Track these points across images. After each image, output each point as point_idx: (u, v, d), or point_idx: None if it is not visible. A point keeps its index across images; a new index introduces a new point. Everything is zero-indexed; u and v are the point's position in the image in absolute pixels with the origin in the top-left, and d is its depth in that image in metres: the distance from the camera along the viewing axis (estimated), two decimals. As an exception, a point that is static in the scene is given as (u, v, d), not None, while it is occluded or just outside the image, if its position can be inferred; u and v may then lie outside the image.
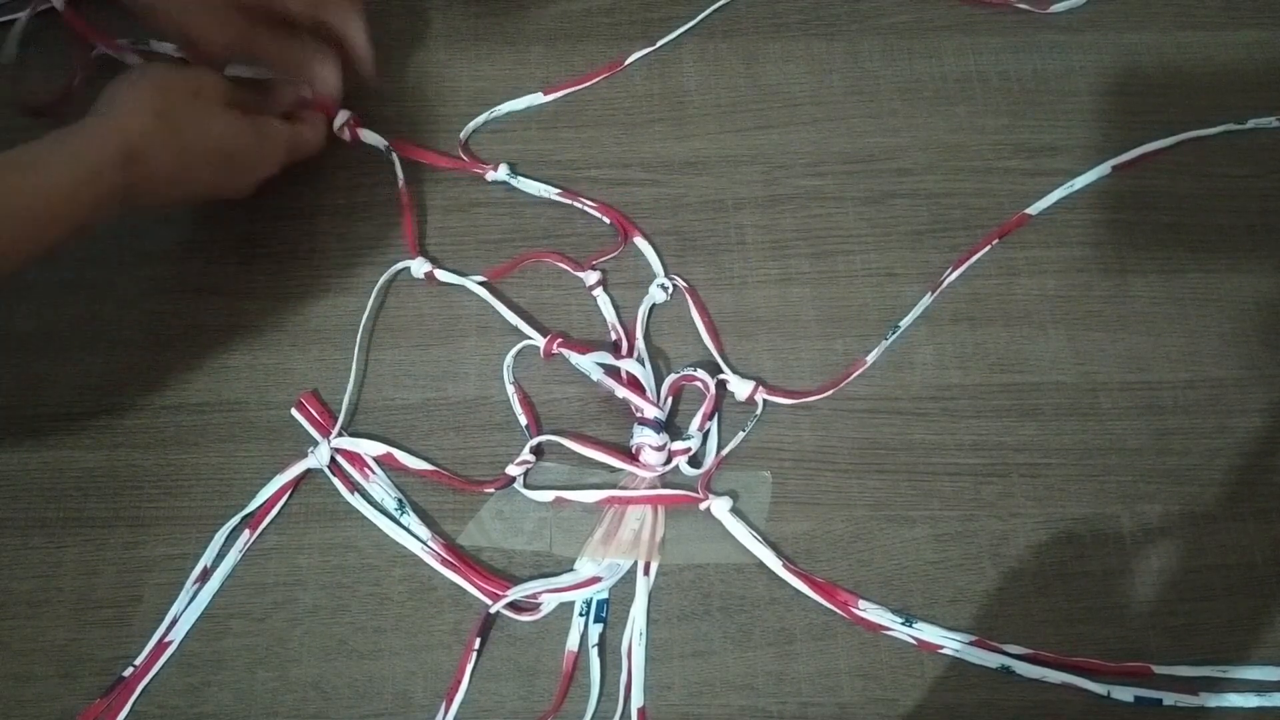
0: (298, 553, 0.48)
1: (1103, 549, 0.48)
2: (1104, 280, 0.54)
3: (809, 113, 0.58)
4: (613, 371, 0.50)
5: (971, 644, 0.46)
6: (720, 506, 0.48)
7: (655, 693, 0.45)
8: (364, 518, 0.48)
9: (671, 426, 0.50)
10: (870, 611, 0.46)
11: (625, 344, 0.52)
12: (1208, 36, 0.61)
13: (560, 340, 0.51)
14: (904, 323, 0.52)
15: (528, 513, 0.49)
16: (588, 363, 0.50)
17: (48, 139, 0.43)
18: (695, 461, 0.49)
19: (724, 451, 0.49)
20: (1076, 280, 0.54)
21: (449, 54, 0.60)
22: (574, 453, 0.49)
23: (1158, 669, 0.45)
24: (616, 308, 0.53)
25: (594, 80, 0.59)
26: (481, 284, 0.53)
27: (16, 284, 0.50)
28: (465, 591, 0.47)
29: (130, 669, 0.45)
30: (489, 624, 0.46)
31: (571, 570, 0.47)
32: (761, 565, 0.47)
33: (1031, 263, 0.54)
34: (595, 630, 0.46)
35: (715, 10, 0.61)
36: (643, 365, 0.51)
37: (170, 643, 0.46)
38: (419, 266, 0.53)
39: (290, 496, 0.49)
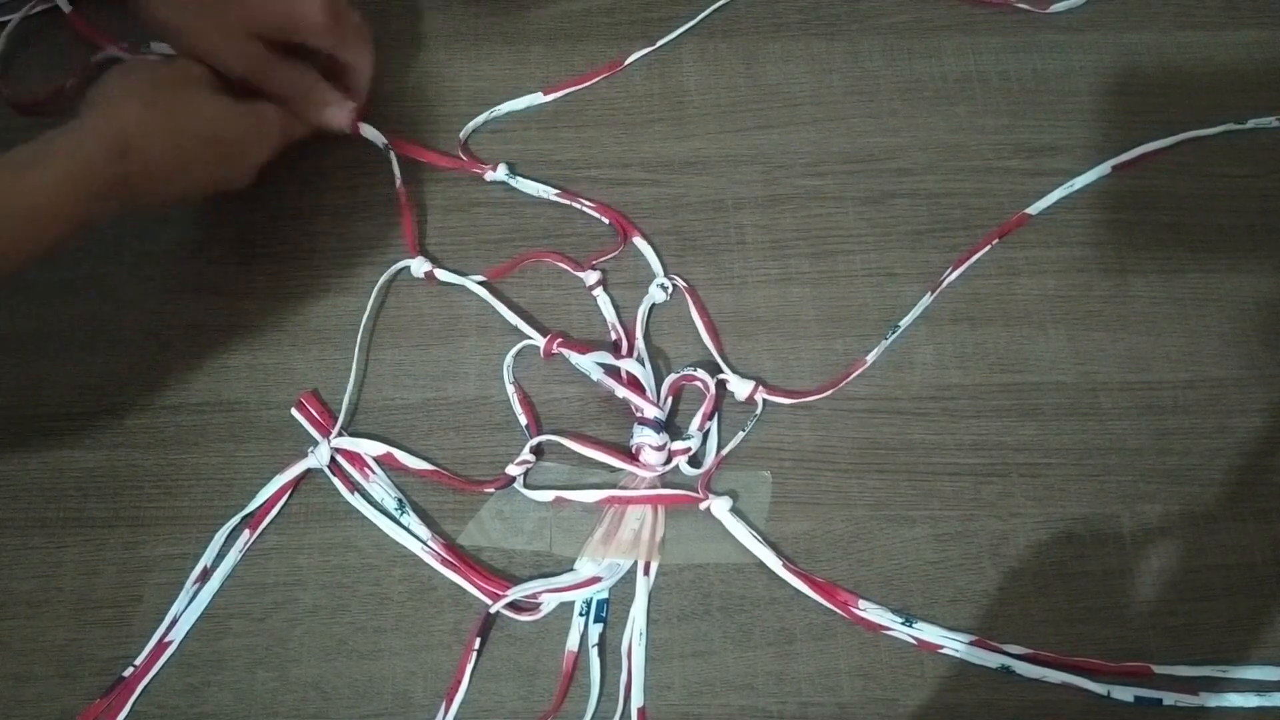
0: (298, 553, 0.48)
1: (1103, 549, 0.48)
2: (1104, 280, 0.54)
3: (809, 113, 0.58)
4: (613, 371, 0.50)
5: (971, 644, 0.46)
6: (720, 506, 0.48)
7: (655, 693, 0.45)
8: (364, 518, 0.48)
9: (671, 426, 0.50)
10: (870, 611, 0.46)
11: (625, 344, 0.52)
12: (1208, 36, 0.61)
13: (560, 340, 0.51)
14: (904, 323, 0.52)
15: (528, 513, 0.49)
16: (588, 363, 0.50)
17: (41, 139, 0.43)
18: (695, 461, 0.49)
19: (724, 451, 0.49)
20: (1076, 280, 0.54)
21: (449, 54, 0.60)
22: (574, 453, 0.49)
23: (1158, 669, 0.45)
24: (616, 308, 0.53)
25: (594, 80, 0.59)
26: (481, 284, 0.53)
27: (16, 284, 0.50)
28: (465, 591, 0.47)
29: (130, 669, 0.45)
30: (489, 624, 0.46)
31: (571, 570, 0.47)
32: (761, 565, 0.47)
33: (1031, 263, 0.54)
34: (595, 630, 0.46)
35: (715, 10, 0.61)
36: (643, 365, 0.51)
37: (170, 643, 0.46)
38: (419, 266, 0.53)
39: (290, 496, 0.49)
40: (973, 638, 0.46)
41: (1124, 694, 0.45)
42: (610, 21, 0.61)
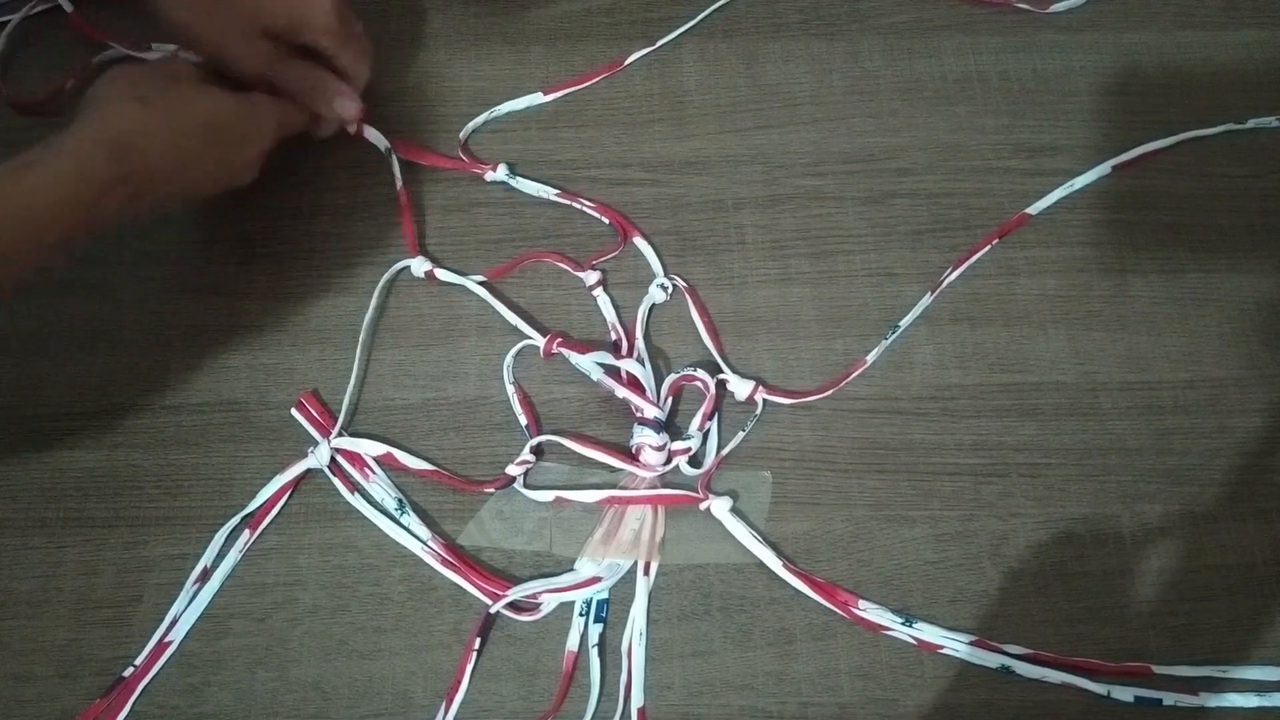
0: (298, 553, 0.48)
1: (1103, 549, 0.48)
2: (1104, 280, 0.54)
3: (809, 113, 0.58)
4: (613, 371, 0.50)
5: (971, 644, 0.46)
6: (720, 506, 0.48)
7: (655, 693, 0.45)
8: (364, 518, 0.48)
9: (671, 426, 0.50)
10: (870, 611, 0.46)
11: (625, 344, 0.52)
12: (1208, 36, 0.61)
13: (560, 340, 0.51)
14: (904, 323, 0.52)
15: (528, 513, 0.49)
16: (588, 363, 0.50)
17: (38, 146, 0.43)
18: (695, 461, 0.49)
19: (724, 451, 0.49)
20: (1076, 280, 0.54)
21: (449, 54, 0.60)
22: (574, 453, 0.49)
23: (1158, 669, 0.45)
24: (616, 308, 0.53)
25: (594, 80, 0.59)
26: (481, 284, 0.53)
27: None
28: (465, 591, 0.47)
29: (130, 669, 0.45)
30: (489, 624, 0.46)
31: (571, 570, 0.47)
32: (761, 565, 0.47)
33: (1031, 263, 0.54)
34: (595, 630, 0.46)
35: (715, 10, 0.61)
36: (643, 365, 0.51)
37: (170, 643, 0.46)
38: (419, 265, 0.53)
39: (290, 496, 0.49)
40: (973, 638, 0.46)
41: (1124, 694, 0.45)
42: (610, 21, 0.61)
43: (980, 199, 0.56)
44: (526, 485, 0.49)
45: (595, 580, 0.46)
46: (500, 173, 0.55)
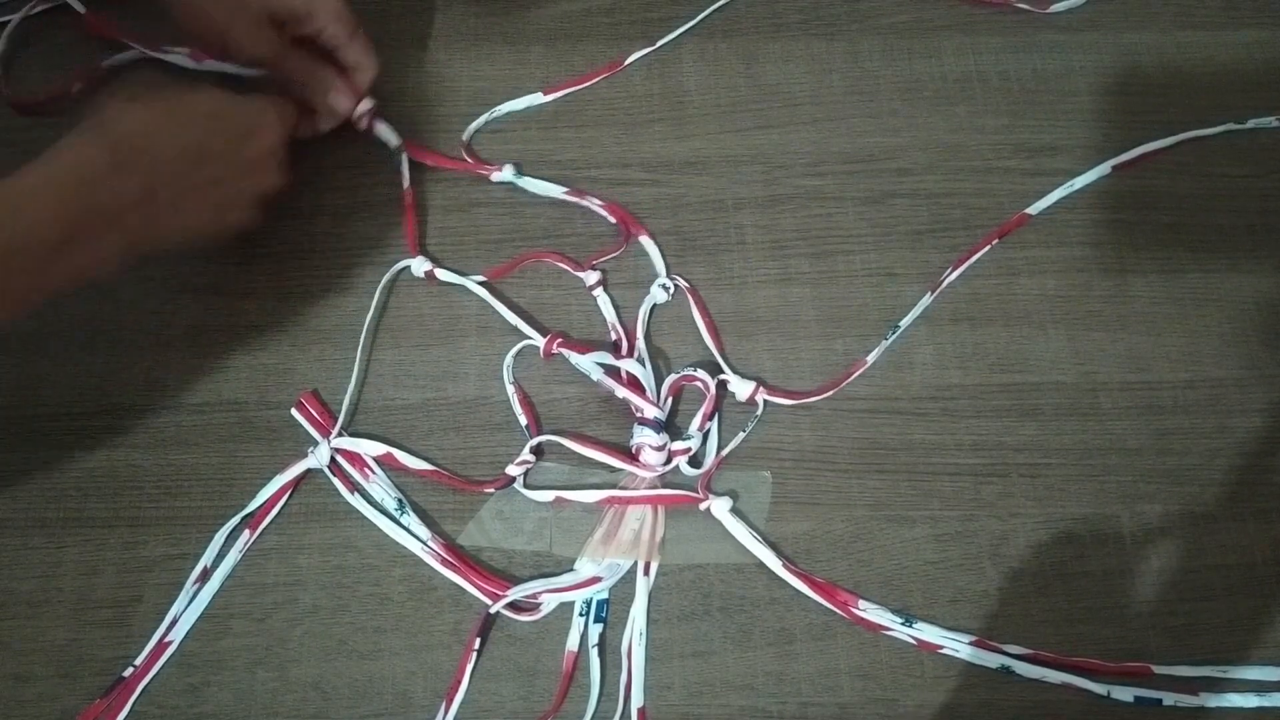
0: (298, 553, 0.48)
1: (1103, 549, 0.48)
2: (1104, 280, 0.54)
3: (809, 113, 0.58)
4: (613, 371, 0.50)
5: (971, 644, 0.46)
6: (720, 506, 0.48)
7: (655, 693, 0.45)
8: (364, 518, 0.48)
9: (671, 426, 0.50)
10: (870, 611, 0.46)
11: (625, 344, 0.52)
12: (1208, 36, 0.61)
13: (560, 340, 0.51)
14: (904, 323, 0.52)
15: (528, 513, 0.49)
16: (588, 363, 0.50)
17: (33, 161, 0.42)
18: (695, 461, 0.49)
19: (724, 451, 0.49)
20: (1076, 280, 0.54)
21: (449, 54, 0.60)
22: (574, 453, 0.49)
23: (1158, 669, 0.45)
24: (616, 308, 0.53)
25: (594, 80, 0.59)
26: (481, 284, 0.53)
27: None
28: (465, 591, 0.47)
29: (130, 669, 0.45)
30: (489, 624, 0.46)
31: (571, 570, 0.47)
32: (761, 565, 0.47)
33: (1031, 263, 0.54)
34: (595, 630, 0.46)
35: (715, 10, 0.61)
36: (643, 365, 0.51)
37: (170, 643, 0.46)
38: (419, 265, 0.53)
39: (290, 496, 0.49)
40: (973, 638, 0.46)
41: (1124, 694, 0.45)
42: (610, 21, 0.61)
43: (980, 199, 0.56)
44: (526, 485, 0.49)
45: (595, 580, 0.46)
46: (507, 173, 0.55)
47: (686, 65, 0.60)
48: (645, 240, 0.54)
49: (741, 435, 0.49)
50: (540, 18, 0.61)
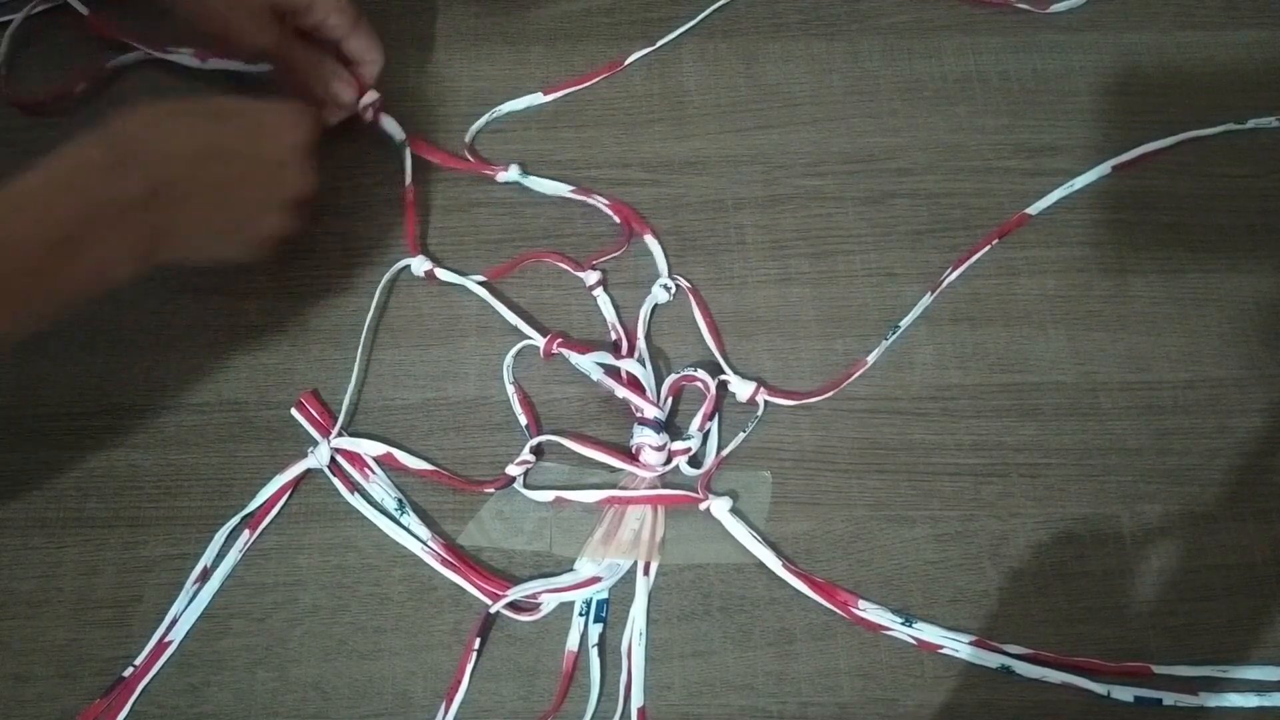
0: (298, 553, 0.48)
1: (1103, 549, 0.48)
2: (1104, 280, 0.54)
3: (809, 113, 0.58)
4: (613, 371, 0.50)
5: (971, 644, 0.46)
6: (720, 506, 0.48)
7: (655, 693, 0.45)
8: (364, 518, 0.48)
9: (671, 426, 0.50)
10: (870, 611, 0.46)
11: (625, 344, 0.52)
12: (1208, 36, 0.61)
13: (560, 340, 0.51)
14: (904, 323, 0.52)
15: (528, 513, 0.49)
16: (588, 363, 0.50)
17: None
18: (695, 461, 0.49)
19: (724, 452, 0.49)
20: (1076, 280, 0.54)
21: (449, 54, 0.60)
22: (574, 453, 0.49)
23: (1158, 669, 0.45)
24: (616, 308, 0.53)
25: (594, 80, 0.59)
26: (481, 284, 0.53)
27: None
28: (465, 591, 0.47)
29: (130, 669, 0.45)
30: (489, 624, 0.46)
31: (571, 570, 0.47)
32: (761, 565, 0.47)
33: (1031, 263, 0.54)
34: (595, 630, 0.46)
35: (715, 10, 0.61)
36: (643, 365, 0.51)
37: (170, 643, 0.46)
38: (419, 265, 0.53)
39: (290, 496, 0.49)
40: (973, 638, 0.46)
41: (1124, 694, 0.45)
42: (610, 21, 0.61)
43: (980, 199, 0.56)
44: (526, 485, 0.49)
45: (595, 580, 0.46)
46: (513, 173, 0.55)
47: (686, 65, 0.60)
48: (649, 239, 0.54)
49: (742, 435, 0.49)
50: (540, 18, 0.61)
